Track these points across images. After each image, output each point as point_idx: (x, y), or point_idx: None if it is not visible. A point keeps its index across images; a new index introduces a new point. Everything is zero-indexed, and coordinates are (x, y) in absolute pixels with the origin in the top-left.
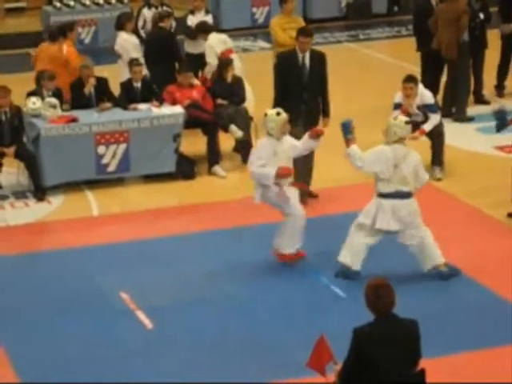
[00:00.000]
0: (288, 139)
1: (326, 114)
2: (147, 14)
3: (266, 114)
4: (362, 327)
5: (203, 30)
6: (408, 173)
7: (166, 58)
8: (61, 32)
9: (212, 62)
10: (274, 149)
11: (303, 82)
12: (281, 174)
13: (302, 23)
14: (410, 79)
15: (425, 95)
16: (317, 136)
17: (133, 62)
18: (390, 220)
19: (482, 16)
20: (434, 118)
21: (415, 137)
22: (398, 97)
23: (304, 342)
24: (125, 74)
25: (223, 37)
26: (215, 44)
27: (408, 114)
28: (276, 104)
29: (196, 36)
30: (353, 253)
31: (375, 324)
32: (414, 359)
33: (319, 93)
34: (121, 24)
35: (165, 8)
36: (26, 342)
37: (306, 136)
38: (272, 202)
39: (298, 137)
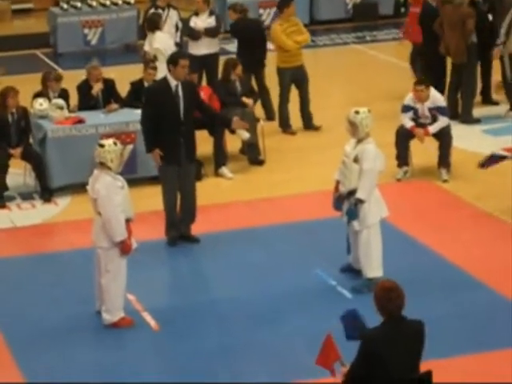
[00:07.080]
0: None
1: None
2: None
3: (102, 145)
4: (371, 331)
5: None
6: None
7: (255, 48)
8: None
9: None
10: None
11: (180, 113)
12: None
13: (301, 24)
14: (420, 82)
15: (436, 98)
16: None
17: (149, 64)
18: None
19: (490, 17)
20: (443, 121)
21: (420, 136)
22: (409, 99)
23: (310, 345)
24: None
25: None
26: None
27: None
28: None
29: (199, 37)
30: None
31: (383, 327)
32: (419, 360)
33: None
34: (155, 24)
35: (172, 9)
36: (33, 342)
37: None
38: None
39: (171, 176)
